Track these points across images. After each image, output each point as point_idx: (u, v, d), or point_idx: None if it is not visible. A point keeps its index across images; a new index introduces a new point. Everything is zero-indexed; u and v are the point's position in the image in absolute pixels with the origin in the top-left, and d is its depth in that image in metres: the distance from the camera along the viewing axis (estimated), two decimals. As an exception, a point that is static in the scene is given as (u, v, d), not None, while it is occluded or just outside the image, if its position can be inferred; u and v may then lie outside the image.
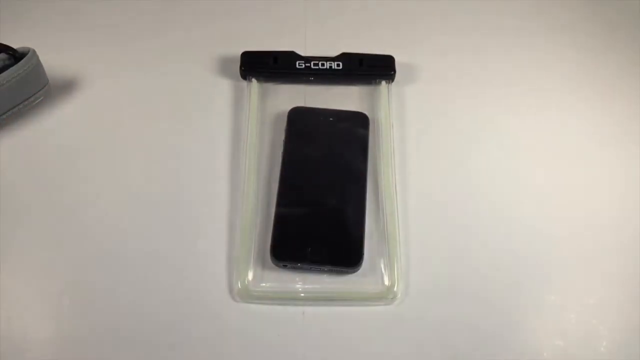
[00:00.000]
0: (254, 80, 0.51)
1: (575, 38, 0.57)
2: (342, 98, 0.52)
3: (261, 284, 0.43)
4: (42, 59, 0.48)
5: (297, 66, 0.51)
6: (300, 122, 0.49)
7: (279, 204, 0.45)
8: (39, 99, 0.49)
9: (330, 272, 0.43)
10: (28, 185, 0.47)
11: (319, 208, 0.45)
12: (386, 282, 0.43)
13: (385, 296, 0.43)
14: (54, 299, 0.42)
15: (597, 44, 0.57)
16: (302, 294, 0.43)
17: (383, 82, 0.52)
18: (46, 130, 0.49)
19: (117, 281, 0.43)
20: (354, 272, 0.43)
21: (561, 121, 0.52)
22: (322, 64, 0.51)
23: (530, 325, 0.43)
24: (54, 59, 0.51)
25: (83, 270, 0.43)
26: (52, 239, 0.44)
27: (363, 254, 0.43)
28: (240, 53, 0.52)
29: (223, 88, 0.52)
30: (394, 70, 0.52)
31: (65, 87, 0.51)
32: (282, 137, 0.48)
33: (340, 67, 0.51)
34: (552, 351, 0.42)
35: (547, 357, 0.42)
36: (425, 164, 0.49)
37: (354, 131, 0.49)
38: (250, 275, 0.43)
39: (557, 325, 0.43)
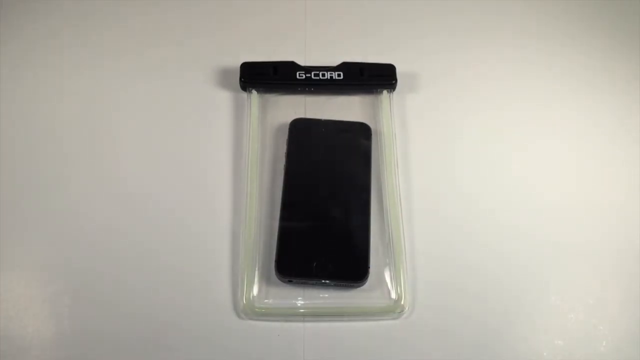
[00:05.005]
0: (254, 91, 0.50)
1: (577, 48, 0.57)
2: (344, 108, 0.51)
3: (265, 300, 0.43)
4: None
5: (298, 77, 0.51)
6: (302, 133, 0.49)
7: (282, 218, 0.44)
8: None
9: (336, 286, 0.43)
10: (29, 186, 0.47)
11: (323, 221, 0.45)
12: (393, 296, 0.43)
13: (392, 310, 0.42)
14: (54, 299, 0.42)
15: (598, 50, 0.57)
16: (308, 310, 0.42)
17: (384, 92, 0.51)
18: (51, 136, 0.49)
19: (119, 296, 0.43)
20: (360, 286, 0.43)
21: (563, 127, 0.52)
22: (323, 74, 0.51)
23: (530, 326, 0.43)
24: (58, 67, 0.51)
25: (83, 279, 0.43)
26: (53, 244, 0.44)
27: (369, 267, 0.43)
28: (240, 64, 0.51)
29: (223, 100, 0.51)
30: (396, 79, 0.51)
31: (69, 97, 0.51)
32: (283, 149, 0.48)
33: (341, 77, 0.51)
34: (552, 351, 0.42)
35: (547, 357, 0.42)
36: (429, 173, 0.49)
37: (356, 142, 0.49)
38: (254, 292, 0.42)
39: (557, 325, 0.43)
